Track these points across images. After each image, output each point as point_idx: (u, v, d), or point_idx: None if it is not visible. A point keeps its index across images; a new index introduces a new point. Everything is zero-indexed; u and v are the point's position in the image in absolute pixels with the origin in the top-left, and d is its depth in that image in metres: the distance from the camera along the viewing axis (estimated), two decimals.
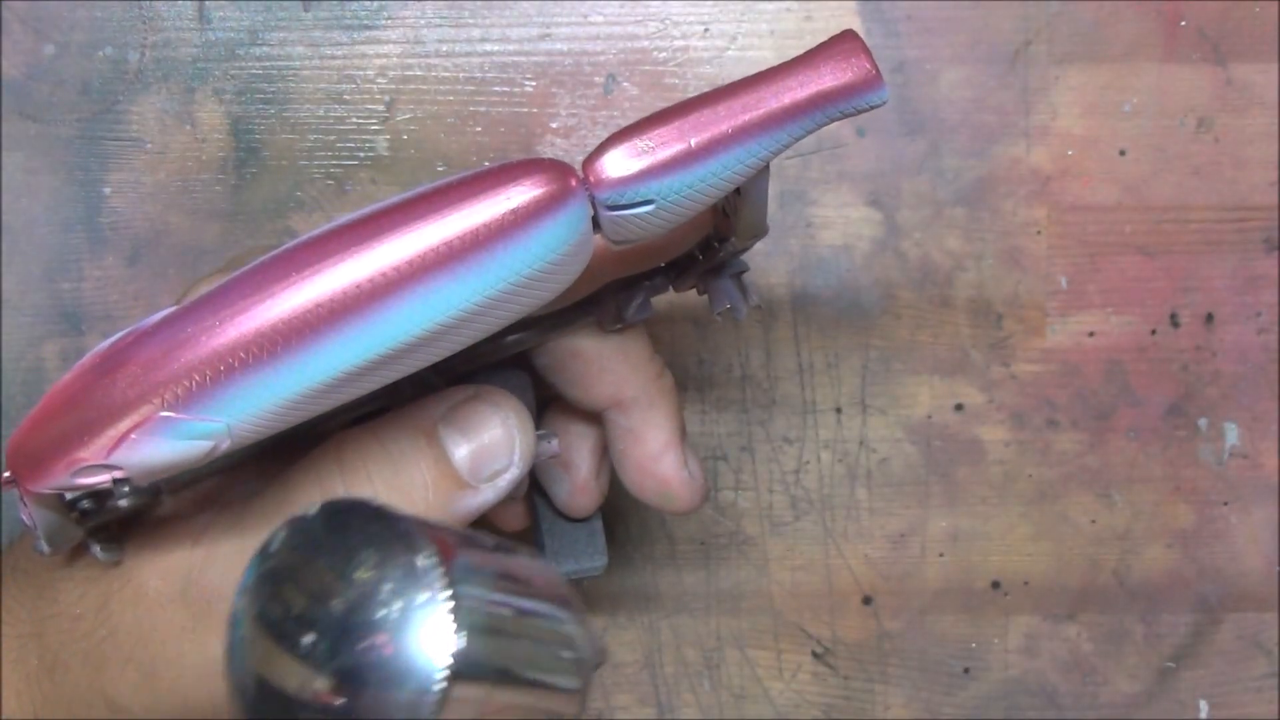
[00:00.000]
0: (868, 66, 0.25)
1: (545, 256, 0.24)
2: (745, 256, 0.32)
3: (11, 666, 0.30)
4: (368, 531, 0.21)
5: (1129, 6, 0.43)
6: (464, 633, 0.21)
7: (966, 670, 0.45)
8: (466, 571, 0.22)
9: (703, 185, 0.25)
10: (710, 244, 0.31)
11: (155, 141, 0.43)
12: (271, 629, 0.22)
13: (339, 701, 0.21)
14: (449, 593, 0.21)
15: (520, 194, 0.23)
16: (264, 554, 0.22)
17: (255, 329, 0.22)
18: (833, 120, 0.25)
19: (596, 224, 0.25)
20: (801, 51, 0.26)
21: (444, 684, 0.20)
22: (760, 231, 0.31)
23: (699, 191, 0.25)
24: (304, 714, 0.21)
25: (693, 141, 0.24)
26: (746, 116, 0.25)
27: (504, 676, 0.23)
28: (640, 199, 0.24)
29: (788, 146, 0.25)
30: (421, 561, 0.21)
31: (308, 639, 0.21)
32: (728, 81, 0.25)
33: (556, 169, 0.24)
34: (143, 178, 0.43)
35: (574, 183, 0.24)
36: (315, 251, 0.23)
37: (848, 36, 0.25)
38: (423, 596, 0.21)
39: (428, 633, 0.21)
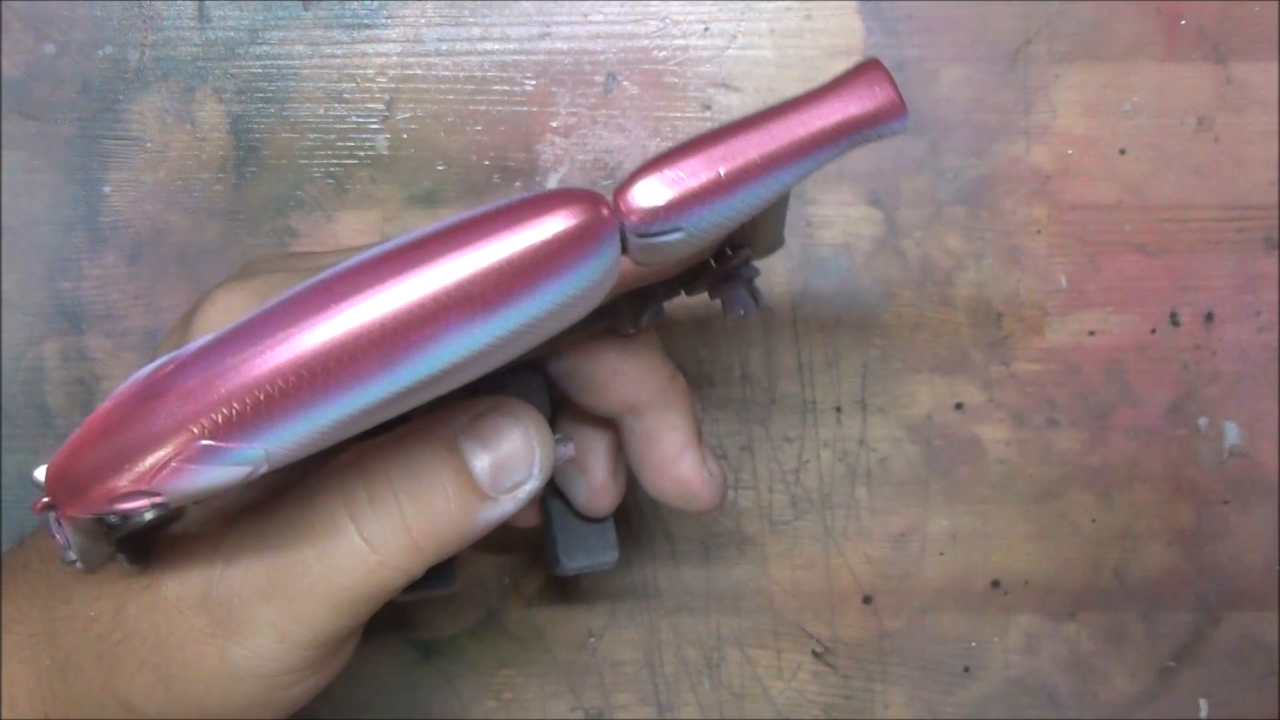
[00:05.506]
0: (892, 94, 0.26)
1: (578, 285, 0.24)
2: None
3: (23, 664, 0.30)
4: None
5: (1129, 6, 0.43)
6: None
7: (966, 669, 0.45)
8: None
9: (731, 212, 0.25)
10: (723, 250, 0.31)
11: (155, 141, 0.43)
12: None
13: None
14: None
15: (555, 225, 0.24)
16: None
17: (294, 359, 0.23)
18: (856, 146, 0.26)
19: (624, 246, 0.25)
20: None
21: None
22: (777, 245, 0.31)
23: (727, 218, 0.25)
24: None
25: (722, 171, 0.25)
26: (774, 145, 0.25)
27: None
28: (671, 228, 0.25)
29: (813, 171, 0.26)
30: None
31: None
32: (749, 107, 0.26)
33: (589, 200, 0.24)
34: (143, 177, 0.43)
35: (606, 213, 0.24)
36: (352, 283, 0.23)
37: (872, 65, 0.26)
38: None
39: None
